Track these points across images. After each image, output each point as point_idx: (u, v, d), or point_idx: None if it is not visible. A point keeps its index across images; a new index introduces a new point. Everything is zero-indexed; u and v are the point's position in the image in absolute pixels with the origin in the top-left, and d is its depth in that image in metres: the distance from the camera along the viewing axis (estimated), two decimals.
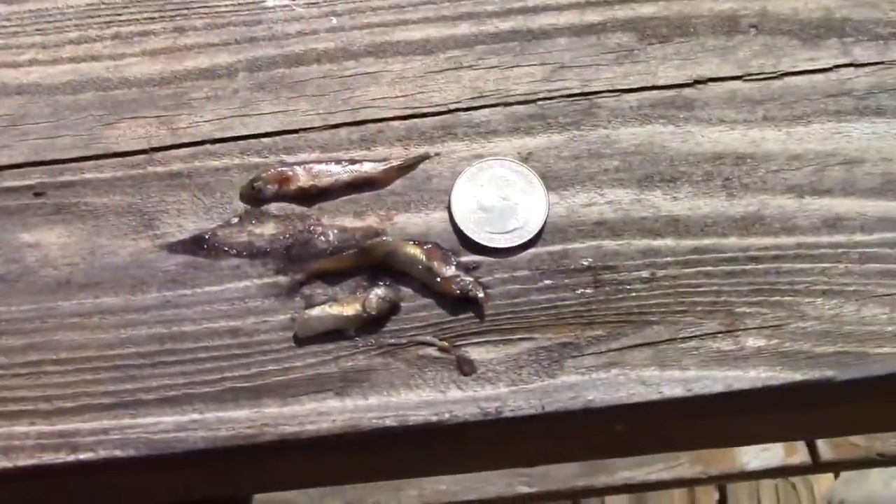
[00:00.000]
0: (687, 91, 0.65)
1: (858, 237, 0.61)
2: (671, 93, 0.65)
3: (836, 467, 1.83)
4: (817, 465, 1.69)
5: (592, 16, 0.67)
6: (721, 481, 2.02)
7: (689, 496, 2.33)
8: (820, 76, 0.65)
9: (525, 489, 1.68)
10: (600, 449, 0.84)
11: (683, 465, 1.67)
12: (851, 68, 0.66)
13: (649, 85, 0.65)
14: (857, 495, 2.19)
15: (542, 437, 0.64)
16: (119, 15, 0.66)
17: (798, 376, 0.58)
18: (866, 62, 0.66)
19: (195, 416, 0.57)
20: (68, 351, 0.58)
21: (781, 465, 1.65)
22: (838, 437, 1.64)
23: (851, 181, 0.63)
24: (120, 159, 0.62)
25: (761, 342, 0.59)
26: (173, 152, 0.62)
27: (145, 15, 0.66)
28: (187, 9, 0.66)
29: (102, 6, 0.66)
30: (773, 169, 0.63)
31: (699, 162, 0.63)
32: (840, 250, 0.61)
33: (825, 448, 1.64)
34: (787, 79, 0.65)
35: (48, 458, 0.57)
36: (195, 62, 0.65)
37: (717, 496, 2.33)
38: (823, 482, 2.30)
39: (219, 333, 0.59)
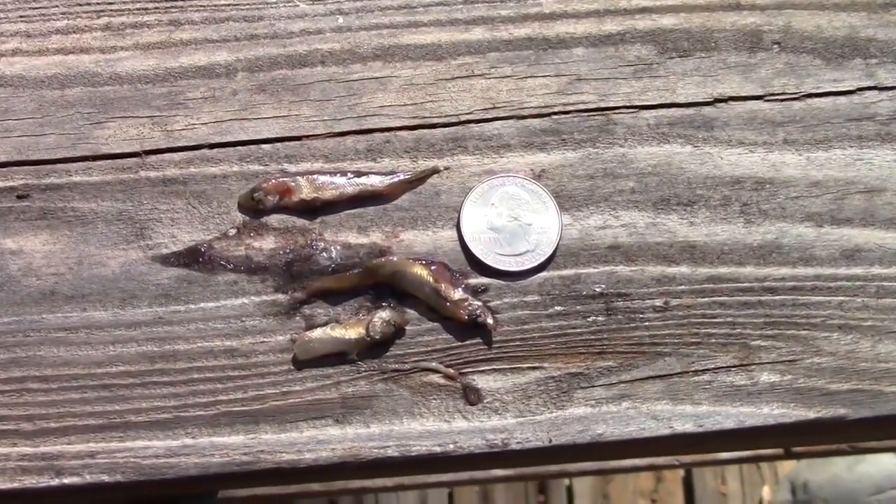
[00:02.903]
0: (707, 110, 0.62)
1: (877, 270, 0.60)
2: (690, 111, 0.62)
3: (806, 456, 1.85)
4: (788, 455, 1.71)
5: (611, 25, 0.64)
6: (691, 466, 2.04)
7: (656, 475, 2.36)
8: (843, 99, 0.63)
9: (498, 471, 1.68)
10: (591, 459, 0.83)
11: None
12: (875, 91, 0.63)
13: (668, 102, 0.62)
14: (821, 477, 2.23)
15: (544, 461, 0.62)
16: (111, 4, 0.62)
17: (811, 414, 0.57)
18: (891, 85, 0.64)
19: (188, 440, 0.55)
20: (53, 368, 0.55)
21: (753, 454, 1.66)
22: None
23: (871, 211, 0.61)
24: (110, 162, 0.59)
25: (775, 377, 0.58)
26: (167, 156, 0.59)
27: (139, 5, 0.62)
28: (184, 0, 0.62)
29: None
30: (793, 195, 0.61)
31: (717, 185, 0.61)
32: (858, 283, 0.59)
33: None
34: (809, 100, 0.63)
35: (30, 481, 0.54)
36: (191, 59, 0.61)
37: (682, 474, 2.36)
38: (787, 463, 2.34)
39: (214, 353, 0.56)
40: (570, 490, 2.35)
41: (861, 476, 2.18)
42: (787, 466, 2.37)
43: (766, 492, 2.40)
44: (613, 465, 1.73)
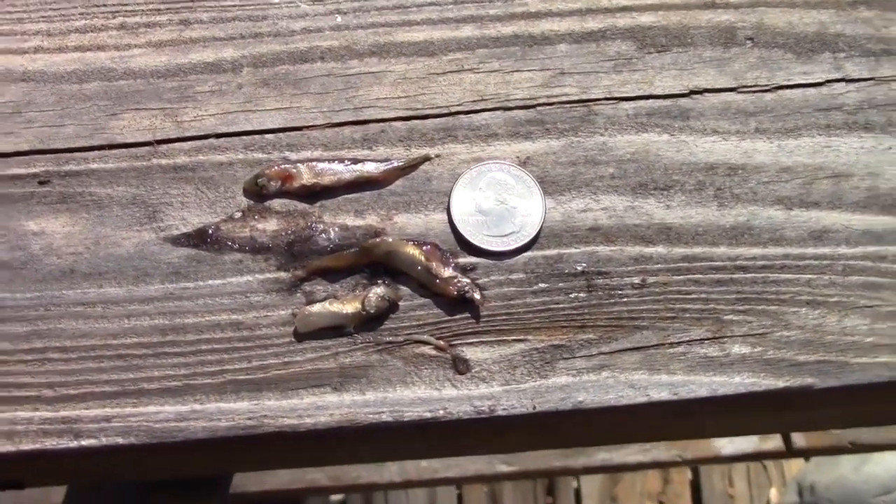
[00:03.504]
0: (683, 101, 0.66)
1: (843, 249, 0.63)
2: (667, 102, 0.66)
3: (808, 454, 1.88)
4: (790, 452, 1.73)
5: (593, 23, 0.68)
6: (696, 464, 2.07)
7: (663, 475, 2.38)
8: (812, 90, 0.67)
9: (505, 468, 1.71)
10: (583, 440, 0.87)
11: (659, 448, 1.71)
12: (843, 83, 0.67)
13: (646, 94, 0.66)
14: (827, 478, 2.24)
15: (531, 432, 0.66)
16: (125, 5, 0.67)
17: (780, 383, 0.61)
18: (857, 77, 0.67)
19: (196, 406, 0.59)
20: (72, 339, 0.60)
21: (756, 451, 1.69)
22: None
23: (839, 195, 0.65)
24: (125, 150, 0.63)
25: (746, 349, 0.61)
26: (178, 145, 0.63)
27: (151, 6, 0.67)
28: (193, 1, 0.67)
29: None
30: (764, 180, 0.65)
31: (692, 171, 0.65)
32: (825, 262, 0.63)
33: (799, 436, 1.68)
34: (780, 92, 0.67)
35: (51, 443, 0.58)
36: (200, 55, 0.66)
37: (689, 476, 2.39)
38: (794, 464, 2.36)
39: (221, 326, 0.60)
40: (577, 492, 2.38)
41: (868, 477, 2.20)
42: (794, 468, 2.38)
43: (773, 494, 2.41)
44: (619, 463, 1.76)
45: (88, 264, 0.61)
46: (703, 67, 0.67)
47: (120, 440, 0.58)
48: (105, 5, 0.66)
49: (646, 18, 0.68)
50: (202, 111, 0.64)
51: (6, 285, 0.60)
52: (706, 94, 0.66)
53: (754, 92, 0.67)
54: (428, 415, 0.59)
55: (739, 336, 0.61)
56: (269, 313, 0.60)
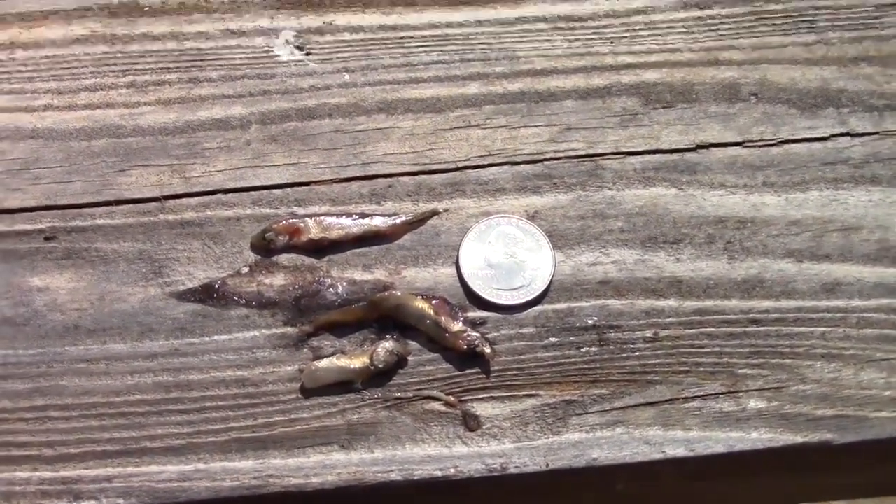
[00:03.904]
0: (689, 155, 0.66)
1: (856, 302, 0.63)
2: (674, 157, 0.66)
3: None
4: None
5: (598, 80, 0.68)
6: None
7: None
8: (818, 144, 0.67)
9: None
10: None
11: None
12: (848, 137, 0.68)
13: (653, 148, 0.66)
14: None
15: (545, 494, 0.64)
16: (135, 64, 0.67)
17: (798, 438, 0.59)
18: (862, 132, 0.68)
19: (200, 465, 0.57)
20: (74, 397, 0.58)
21: None
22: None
23: (849, 247, 0.64)
24: (132, 206, 0.63)
25: (762, 404, 0.60)
26: (185, 201, 0.63)
27: (161, 65, 0.67)
28: (202, 60, 0.67)
29: (119, 55, 0.67)
30: (774, 233, 0.64)
31: (701, 224, 0.64)
32: (839, 315, 0.62)
33: None
34: (786, 146, 0.67)
35: None
36: (209, 112, 0.66)
37: None
38: None
39: (226, 383, 0.59)
40: None
41: None
42: None
43: None
44: None
45: (92, 320, 0.60)
46: (709, 122, 0.67)
47: (121, 501, 0.56)
48: (115, 64, 0.67)
49: (650, 75, 0.69)
50: (210, 167, 0.64)
51: (9, 342, 0.59)
52: (712, 149, 0.67)
53: (760, 146, 0.67)
54: (438, 473, 0.57)
55: (755, 390, 0.60)
56: (275, 369, 0.59)
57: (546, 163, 0.66)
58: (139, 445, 0.57)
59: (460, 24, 0.70)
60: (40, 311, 0.60)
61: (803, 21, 0.71)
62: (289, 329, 0.60)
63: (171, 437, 0.58)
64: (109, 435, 0.58)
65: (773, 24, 0.71)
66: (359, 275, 0.62)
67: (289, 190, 0.64)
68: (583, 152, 0.66)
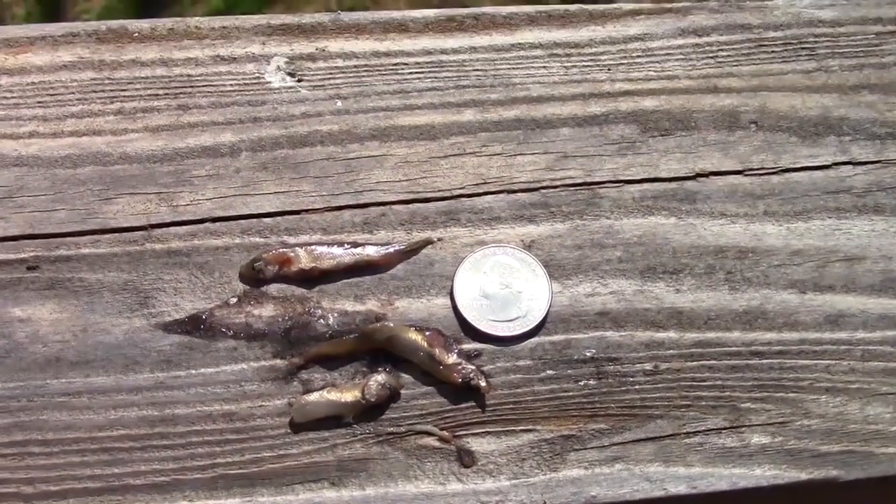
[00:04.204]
0: (688, 184, 0.65)
1: (861, 335, 0.61)
2: (673, 185, 0.65)
3: None
4: None
5: (595, 107, 0.67)
6: None
7: None
8: (819, 173, 0.66)
9: None
10: None
11: None
12: (850, 166, 0.67)
13: (651, 177, 0.65)
14: None
15: None
16: (123, 90, 0.66)
17: (803, 475, 0.58)
18: (864, 160, 0.67)
19: (185, 503, 0.55)
20: (55, 431, 0.56)
21: None
22: None
23: (852, 278, 0.63)
24: (117, 235, 0.61)
25: (766, 439, 0.58)
26: (172, 229, 0.61)
27: (150, 91, 0.66)
28: (192, 87, 0.66)
29: (107, 81, 0.66)
30: (775, 264, 0.63)
31: (701, 255, 0.63)
32: (843, 347, 0.61)
33: None
34: (787, 175, 0.66)
35: None
36: (198, 140, 0.64)
37: None
38: None
39: (213, 417, 0.57)
40: None
41: None
42: None
43: None
44: None
45: (75, 352, 0.58)
46: (708, 150, 0.66)
47: None
48: (103, 90, 0.66)
49: (648, 102, 0.68)
50: (199, 195, 0.63)
51: None
52: (712, 177, 0.65)
53: (761, 175, 0.66)
54: None
55: (758, 425, 0.59)
56: (263, 403, 0.57)
57: (542, 191, 0.64)
58: (122, 482, 0.55)
59: (455, 51, 0.68)
60: (21, 342, 0.58)
61: (803, 48, 0.71)
62: (278, 362, 0.58)
63: (156, 473, 0.56)
64: (91, 471, 0.55)
65: (773, 52, 0.70)
66: (350, 306, 0.60)
67: (279, 219, 0.62)
68: (580, 181, 0.65)
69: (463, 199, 0.64)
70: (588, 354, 0.60)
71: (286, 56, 0.68)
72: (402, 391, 0.58)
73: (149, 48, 0.67)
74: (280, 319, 0.59)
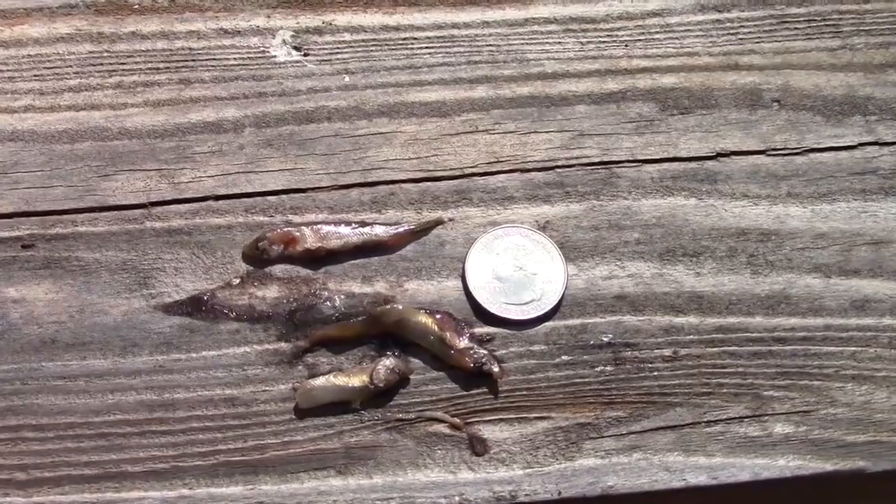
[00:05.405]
0: (709, 164, 0.63)
1: (888, 320, 0.59)
2: (693, 165, 0.63)
3: None
4: None
5: (613, 84, 0.65)
6: None
7: None
8: (845, 154, 0.64)
9: None
10: None
11: None
12: (876, 146, 0.64)
13: (671, 156, 0.63)
14: None
15: None
16: (123, 64, 0.63)
17: (828, 466, 0.55)
18: (891, 141, 0.64)
19: (185, 491, 0.53)
20: (50, 416, 0.54)
21: None
22: None
23: (879, 262, 0.60)
24: (116, 213, 0.59)
25: (790, 428, 0.56)
26: (173, 207, 0.59)
27: (150, 65, 0.63)
28: (194, 60, 0.64)
29: (106, 54, 0.63)
30: (799, 247, 0.61)
31: (722, 237, 0.61)
32: (869, 333, 0.59)
33: None
34: (811, 155, 0.64)
35: None
36: (200, 115, 0.62)
37: None
38: None
39: (214, 402, 0.55)
40: None
41: None
42: None
43: None
44: None
45: (71, 334, 0.56)
46: (729, 129, 0.64)
47: None
48: (101, 64, 0.63)
49: (667, 80, 0.65)
50: (201, 172, 0.60)
51: None
52: (734, 157, 0.63)
53: (784, 155, 0.63)
54: (442, 501, 0.53)
55: (782, 414, 0.56)
56: (267, 388, 0.55)
57: (558, 170, 0.62)
58: (119, 469, 0.53)
59: (466, 25, 0.66)
60: (15, 323, 0.56)
61: (827, 25, 0.68)
62: (282, 345, 0.56)
63: (155, 460, 0.53)
64: (87, 458, 0.53)
65: (796, 29, 0.68)
66: (358, 287, 0.58)
67: (284, 197, 0.60)
68: (596, 159, 0.62)
69: (475, 177, 0.61)
70: (605, 339, 0.57)
71: (292, 29, 0.65)
72: (412, 376, 0.56)
73: (149, 20, 0.65)
74: (285, 301, 0.57)
